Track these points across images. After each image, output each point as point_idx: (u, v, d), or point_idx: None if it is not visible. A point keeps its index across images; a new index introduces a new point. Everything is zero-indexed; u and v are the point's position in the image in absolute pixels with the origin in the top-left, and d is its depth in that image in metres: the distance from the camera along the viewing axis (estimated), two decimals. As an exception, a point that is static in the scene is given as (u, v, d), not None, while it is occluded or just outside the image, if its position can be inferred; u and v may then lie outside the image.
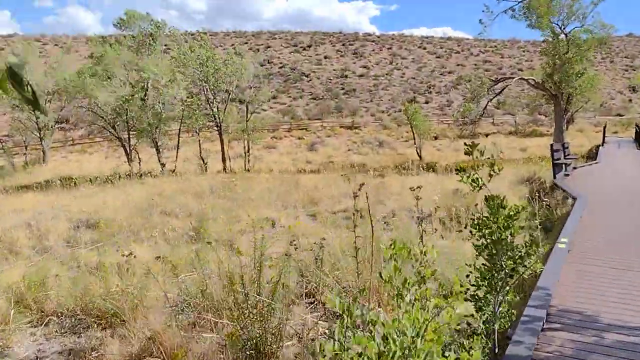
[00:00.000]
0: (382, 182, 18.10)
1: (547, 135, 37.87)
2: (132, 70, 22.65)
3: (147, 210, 11.63)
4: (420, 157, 28.73)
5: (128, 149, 23.23)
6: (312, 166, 28.08)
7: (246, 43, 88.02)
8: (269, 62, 78.30)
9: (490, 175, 3.58)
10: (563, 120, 25.38)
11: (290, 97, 64.92)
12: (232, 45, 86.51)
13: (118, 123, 22.49)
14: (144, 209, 11.90)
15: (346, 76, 72.49)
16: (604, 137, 28.77)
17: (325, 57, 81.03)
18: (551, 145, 11.94)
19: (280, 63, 78.03)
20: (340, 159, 31.06)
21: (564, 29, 24.56)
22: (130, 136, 23.87)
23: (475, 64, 78.96)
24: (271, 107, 60.57)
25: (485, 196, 3.57)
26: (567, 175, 13.27)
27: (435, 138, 41.52)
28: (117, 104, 21.67)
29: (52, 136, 34.06)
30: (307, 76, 72.47)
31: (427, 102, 64.08)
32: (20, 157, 37.09)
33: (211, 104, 24.46)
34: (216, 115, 24.50)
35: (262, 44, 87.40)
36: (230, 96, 24.94)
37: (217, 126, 24.89)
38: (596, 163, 18.45)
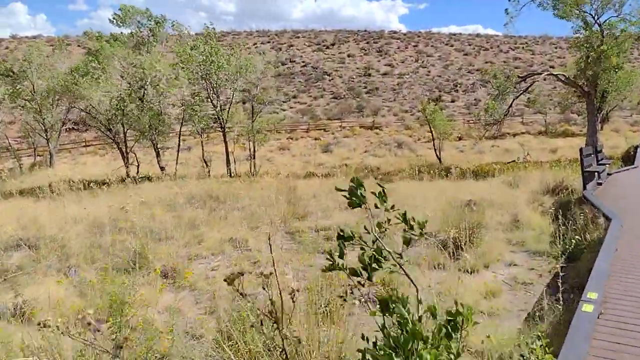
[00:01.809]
0: (388, 190, 16.28)
1: (579, 135, 35.37)
2: (130, 67, 21.35)
3: (106, 226, 10.18)
4: (439, 159, 26.77)
5: (125, 152, 21.97)
6: (323, 169, 26.40)
7: (269, 42, 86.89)
8: (291, 61, 76.98)
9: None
10: (597, 120, 23.11)
11: (311, 96, 63.38)
12: (255, 44, 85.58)
13: (114, 124, 21.20)
14: (105, 223, 10.46)
15: (369, 74, 70.55)
16: (642, 137, 26.37)
17: (349, 56, 79.20)
18: (580, 149, 10.00)
19: (303, 62, 76.55)
20: (355, 161, 29.34)
21: (597, 18, 22.30)
22: (128, 138, 22.61)
23: (505, 61, 75.98)
24: (291, 107, 59.19)
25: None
26: (600, 184, 11.29)
27: (460, 139, 39.42)
28: (112, 103, 20.39)
29: (59, 138, 33.20)
30: (329, 75, 70.80)
31: (453, 101, 61.77)
32: (33, 159, 36.58)
33: (214, 104, 23.00)
34: (219, 115, 23.02)
35: (285, 43, 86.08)
36: (234, 95, 23.41)
37: (220, 127, 23.42)
38: (634, 167, 16.30)
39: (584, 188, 10.00)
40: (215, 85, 22.52)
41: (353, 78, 69.63)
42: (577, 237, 7.48)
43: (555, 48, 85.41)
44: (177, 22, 22.62)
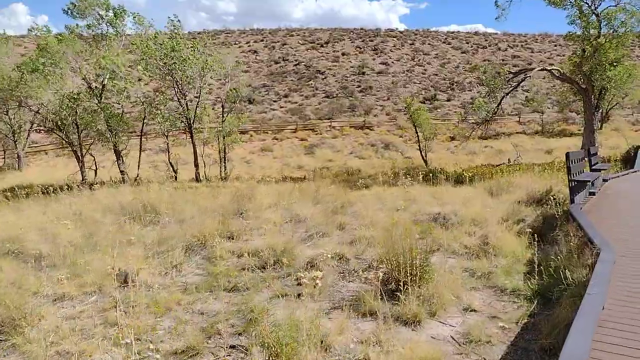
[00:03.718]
0: (360, 196, 14.61)
1: (577, 134, 33.51)
2: (84, 63, 19.58)
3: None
4: (425, 161, 24.95)
5: (80, 155, 20.16)
6: (302, 172, 24.65)
7: (262, 40, 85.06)
8: (284, 60, 75.14)
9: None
10: (594, 118, 21.28)
11: (302, 95, 61.51)
12: (248, 42, 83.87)
13: (65, 125, 19.37)
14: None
15: (364, 73, 68.64)
16: (644, 137, 24.56)
17: (343, 54, 77.30)
18: (567, 154, 8.10)
19: (296, 60, 74.68)
20: (338, 163, 27.58)
21: (595, 8, 20.45)
22: (83, 140, 20.82)
23: (503, 59, 74.03)
24: (281, 107, 57.39)
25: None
26: (593, 194, 9.46)
27: (452, 139, 37.65)
28: (63, 102, 18.57)
29: (28, 139, 31.48)
30: (322, 74, 68.94)
31: (449, 100, 59.91)
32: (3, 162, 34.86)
33: (181, 102, 21.21)
34: (186, 115, 21.22)
35: (278, 41, 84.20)
36: (202, 92, 21.57)
37: (188, 127, 21.61)
38: (634, 172, 14.49)
39: (572, 201, 8.17)
40: (180, 82, 20.74)
41: (347, 77, 67.77)
42: (558, 270, 5.73)
43: (555, 46, 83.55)
44: (138, 14, 20.80)
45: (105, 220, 10.95)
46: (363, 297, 5.44)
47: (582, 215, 6.95)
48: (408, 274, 5.58)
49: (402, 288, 5.43)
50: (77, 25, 20.65)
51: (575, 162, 8.58)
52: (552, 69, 21.99)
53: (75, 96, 18.77)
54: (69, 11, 20.20)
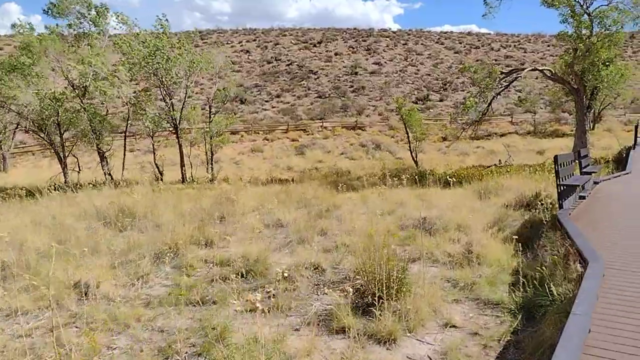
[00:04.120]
0: (346, 199, 14.29)
1: (570, 135, 33.29)
2: (67, 63, 19.10)
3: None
4: (416, 162, 24.61)
5: (63, 156, 19.68)
6: (291, 173, 24.26)
7: (255, 40, 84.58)
8: (276, 60, 74.72)
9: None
10: (586, 119, 21.00)
11: (294, 95, 61.10)
12: (240, 42, 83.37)
13: (47, 126, 18.88)
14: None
15: (356, 73, 68.33)
16: (635, 138, 24.31)
17: (336, 54, 76.96)
18: (555, 157, 7.74)
19: (288, 60, 74.27)
20: (328, 164, 27.20)
21: (587, 7, 20.18)
22: (66, 141, 20.36)
23: (496, 59, 73.91)
24: (273, 107, 56.97)
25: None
26: (583, 198, 9.12)
27: (444, 139, 37.39)
28: (44, 103, 18.09)
29: (13, 140, 30.94)
30: (314, 73, 68.55)
31: (441, 100, 59.70)
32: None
33: (166, 102, 20.80)
34: (172, 115, 20.79)
35: (271, 41, 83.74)
36: (187, 92, 21.16)
37: (174, 128, 21.19)
38: (626, 173, 14.19)
39: (560, 206, 7.83)
40: (165, 81, 20.33)
41: (339, 77, 67.43)
42: (543, 283, 5.39)
43: (548, 46, 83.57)
44: (122, 13, 20.34)
45: (80, 226, 10.54)
46: (336, 312, 5.06)
47: (570, 223, 6.60)
48: (384, 287, 5.22)
49: (377, 302, 5.06)
50: (57, 25, 20.18)
51: (564, 165, 8.24)
52: (544, 69, 21.70)
53: (57, 96, 18.30)
54: (49, 11, 19.72)
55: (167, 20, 21.14)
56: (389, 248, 5.67)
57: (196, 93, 55.08)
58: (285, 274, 6.24)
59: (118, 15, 20.61)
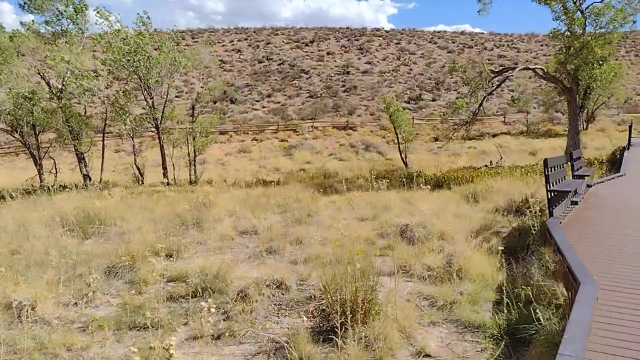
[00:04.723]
0: (330, 203, 13.71)
1: (563, 135, 32.79)
2: (41, 61, 18.37)
3: None
4: (405, 164, 24.01)
5: (38, 158, 18.94)
6: (277, 175, 23.62)
7: (246, 39, 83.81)
8: (268, 59, 74.00)
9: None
10: (579, 119, 20.44)
11: (285, 95, 60.42)
12: (232, 41, 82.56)
13: (20, 126, 18.13)
14: None
15: (348, 72, 67.72)
16: (629, 138, 23.82)
17: (328, 53, 76.33)
18: (545, 161, 7.10)
19: (280, 60, 73.57)
20: (316, 165, 26.57)
21: (580, 4, 19.62)
22: (43, 143, 19.64)
23: (489, 59, 73.50)
24: (264, 107, 56.28)
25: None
26: (575, 203, 8.53)
27: (436, 139, 36.86)
28: (17, 102, 17.34)
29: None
30: (306, 73, 67.89)
31: (434, 100, 59.24)
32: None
33: (147, 101, 20.11)
34: (153, 115, 20.10)
35: (262, 40, 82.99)
36: (169, 91, 20.47)
37: (155, 128, 20.49)
38: (620, 176, 13.64)
39: (550, 214, 7.22)
40: (145, 80, 19.65)
41: (331, 76, 66.81)
42: (530, 304, 4.80)
43: (542, 45, 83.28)
44: (102, 9, 19.58)
45: (42, 233, 9.84)
46: (292, 340, 4.43)
47: (561, 234, 5.99)
48: (349, 310, 4.59)
49: (341, 328, 4.43)
50: (33, 21, 19.43)
51: (555, 169, 7.64)
52: (536, 68, 21.12)
53: (31, 95, 17.56)
54: (25, 6, 18.97)
55: (148, 17, 20.47)
56: (365, 260, 5.06)
57: (186, 92, 54.38)
58: (246, 292, 5.63)
59: (98, 11, 19.86)
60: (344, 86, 62.72)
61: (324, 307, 5.06)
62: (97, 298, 6.00)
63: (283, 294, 5.78)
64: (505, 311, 4.91)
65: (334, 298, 4.87)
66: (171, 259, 7.68)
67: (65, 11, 19.45)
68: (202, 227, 10.28)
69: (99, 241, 9.75)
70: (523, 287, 5.01)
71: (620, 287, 4.50)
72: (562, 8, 19.57)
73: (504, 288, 4.98)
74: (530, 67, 21.03)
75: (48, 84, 18.85)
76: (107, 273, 6.83)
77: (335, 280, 5.04)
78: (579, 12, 19.77)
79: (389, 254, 7.57)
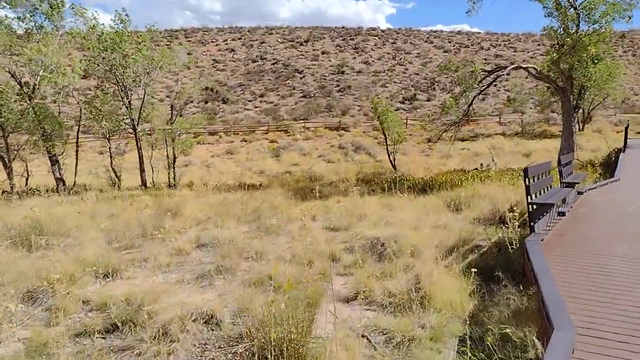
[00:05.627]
0: (307, 209, 12.88)
1: (558, 136, 31.94)
2: (16, 59, 17.57)
3: None
4: (394, 166, 23.20)
5: (7, 161, 18.11)
6: (261, 178, 22.81)
7: (240, 39, 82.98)
8: (261, 59, 73.19)
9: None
10: (573, 120, 19.63)
11: (279, 95, 59.58)
12: (225, 41, 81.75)
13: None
14: None
15: (343, 72, 66.94)
16: (625, 139, 23.10)
17: (323, 53, 75.54)
18: (525, 169, 6.24)
19: (274, 59, 72.74)
20: (303, 168, 25.76)
21: (574, 1, 18.82)
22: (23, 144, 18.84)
23: (486, 59, 72.83)
24: (256, 107, 55.45)
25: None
26: (562, 215, 7.72)
27: (429, 140, 36.05)
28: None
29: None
30: (300, 72, 67.07)
31: (429, 100, 58.49)
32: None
33: (123, 101, 19.34)
34: (130, 116, 19.32)
35: (257, 40, 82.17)
36: (146, 91, 19.70)
37: (132, 129, 19.70)
38: (614, 181, 12.85)
39: (531, 230, 6.40)
40: (121, 79, 18.89)
41: (325, 76, 66.01)
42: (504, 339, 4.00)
43: (539, 45, 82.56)
44: (79, 6, 18.81)
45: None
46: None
47: (539, 256, 5.16)
48: (280, 355, 3.77)
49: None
50: (5, 16, 18.58)
51: (536, 179, 6.82)
52: (528, 67, 20.32)
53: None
54: (-2, 2, 18.14)
55: (127, 15, 19.68)
56: (318, 284, 4.25)
57: (177, 92, 53.55)
58: (168, 328, 4.81)
59: (74, 7, 19.09)
60: (338, 86, 61.94)
61: (255, 350, 4.24)
62: (4, 331, 5.18)
63: (213, 331, 4.95)
64: (470, 355, 4.09)
65: (264, 339, 4.06)
66: (108, 279, 6.87)
67: (40, 7, 18.64)
68: (162, 238, 9.46)
69: (47, 254, 8.94)
70: (491, 325, 4.20)
71: (603, 331, 3.67)
72: (554, 4, 18.76)
73: (467, 327, 4.18)
74: (522, 66, 20.23)
75: (20, 82, 18.04)
76: (28, 298, 6.01)
77: (272, 314, 4.24)
78: (572, 9, 18.97)
79: (354, 272, 6.78)
